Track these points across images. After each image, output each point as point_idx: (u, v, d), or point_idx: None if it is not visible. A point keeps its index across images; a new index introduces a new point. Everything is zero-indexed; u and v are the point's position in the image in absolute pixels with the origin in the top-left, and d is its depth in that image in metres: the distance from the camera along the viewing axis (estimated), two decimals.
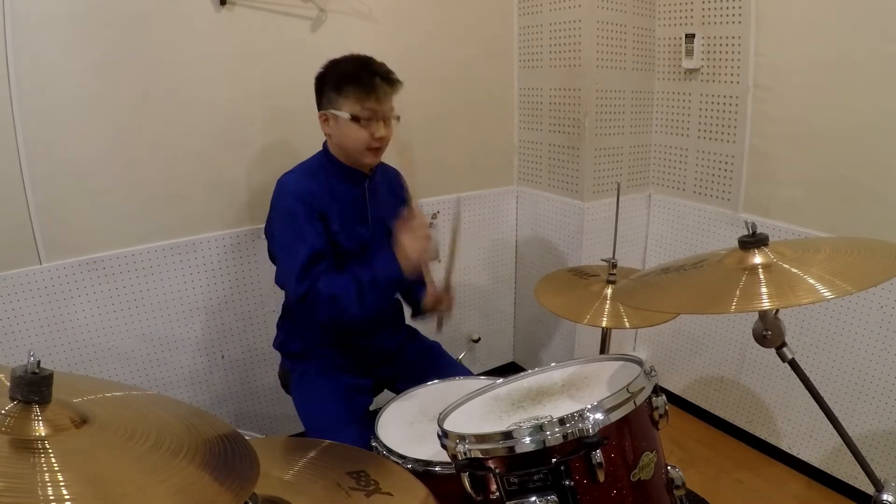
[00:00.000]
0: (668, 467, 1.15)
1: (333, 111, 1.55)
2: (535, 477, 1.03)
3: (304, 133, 1.84)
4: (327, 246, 1.57)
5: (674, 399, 2.57)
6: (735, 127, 2.19)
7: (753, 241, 1.12)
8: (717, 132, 2.26)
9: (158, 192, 1.93)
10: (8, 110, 1.65)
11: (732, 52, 2.14)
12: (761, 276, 1.06)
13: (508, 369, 2.89)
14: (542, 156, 2.56)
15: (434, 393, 1.61)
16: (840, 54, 1.87)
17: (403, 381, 1.70)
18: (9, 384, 0.70)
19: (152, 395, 0.96)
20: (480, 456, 1.05)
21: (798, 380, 1.12)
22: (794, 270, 1.05)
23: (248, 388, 2.25)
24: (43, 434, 0.68)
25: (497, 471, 1.05)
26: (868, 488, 1.32)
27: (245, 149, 2.04)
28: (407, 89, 1.60)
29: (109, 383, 0.95)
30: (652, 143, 2.52)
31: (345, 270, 1.56)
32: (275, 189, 1.62)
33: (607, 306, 1.72)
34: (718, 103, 2.23)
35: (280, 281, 1.61)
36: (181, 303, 2.04)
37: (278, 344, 1.82)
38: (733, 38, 2.13)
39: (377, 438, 1.39)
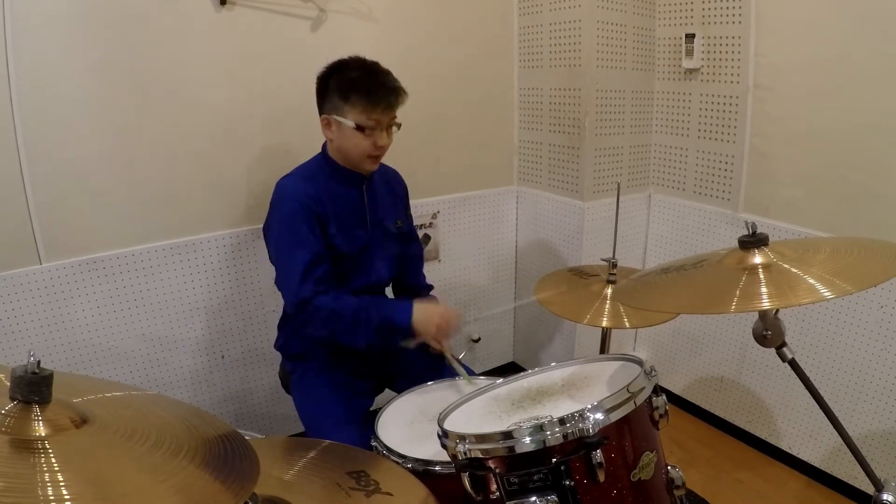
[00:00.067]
0: (668, 467, 1.15)
1: (337, 117, 1.54)
2: (536, 477, 1.03)
3: (303, 133, 1.84)
4: (326, 250, 1.58)
5: (674, 399, 2.57)
6: (735, 127, 2.19)
7: (753, 241, 1.12)
8: (717, 132, 2.26)
9: (158, 192, 1.93)
10: (8, 110, 1.65)
11: (732, 52, 2.14)
12: (761, 276, 1.05)
13: (508, 369, 2.89)
14: (542, 156, 2.56)
15: (434, 393, 1.61)
16: (840, 54, 1.87)
17: (404, 381, 1.70)
18: (9, 384, 0.70)
19: (152, 395, 0.96)
20: (480, 456, 1.05)
21: (798, 380, 1.12)
22: (794, 270, 1.05)
23: (248, 388, 2.25)
24: (43, 434, 0.68)
25: (497, 471, 1.05)
26: (868, 488, 1.32)
27: (245, 149, 2.04)
28: (407, 89, 1.59)
29: (109, 383, 0.95)
30: (652, 143, 2.52)
31: (353, 297, 1.57)
32: (273, 192, 1.62)
33: (607, 306, 1.72)
34: (718, 103, 2.23)
35: (279, 285, 1.61)
36: (181, 303, 2.04)
37: (279, 345, 1.82)
38: (733, 38, 2.12)
39: (377, 438, 1.39)
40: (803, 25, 1.95)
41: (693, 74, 2.29)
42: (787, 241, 1.35)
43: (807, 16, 1.93)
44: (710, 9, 2.17)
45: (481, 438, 1.05)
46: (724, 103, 2.21)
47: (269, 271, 1.68)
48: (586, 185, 2.38)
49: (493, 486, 1.06)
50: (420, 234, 2.31)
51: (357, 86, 1.52)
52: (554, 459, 1.01)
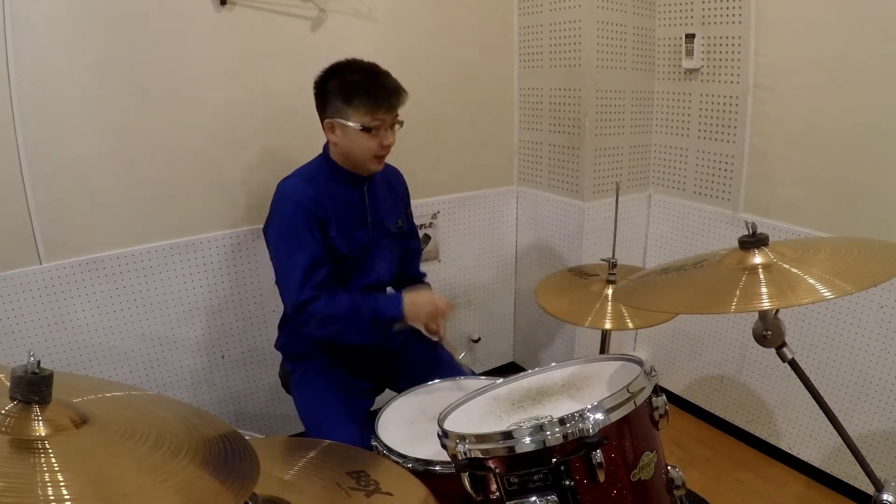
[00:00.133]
0: (668, 467, 1.15)
1: (341, 121, 1.55)
2: (536, 477, 1.03)
3: (303, 133, 1.84)
4: (326, 253, 1.58)
5: (674, 399, 2.57)
6: (735, 127, 2.19)
7: (753, 241, 1.12)
8: (717, 132, 2.26)
9: (158, 192, 1.93)
10: (8, 110, 1.65)
11: (732, 52, 2.14)
12: (761, 276, 1.06)
13: (508, 369, 2.89)
14: (542, 156, 2.56)
15: (434, 393, 1.61)
16: (840, 54, 1.87)
17: (404, 381, 1.71)
18: (9, 384, 0.70)
19: (152, 395, 0.96)
20: (480, 456, 1.05)
21: (798, 380, 1.12)
22: (794, 270, 1.05)
23: (248, 388, 2.25)
24: (43, 434, 0.68)
25: (497, 471, 1.05)
26: (868, 488, 1.32)
27: (245, 149, 2.04)
28: (407, 89, 1.60)
29: (109, 383, 0.95)
30: (652, 143, 2.52)
31: (347, 295, 1.58)
32: (274, 194, 1.62)
33: (607, 306, 1.72)
34: (718, 103, 2.23)
35: (279, 285, 1.61)
36: (181, 303, 2.04)
37: (280, 345, 1.82)
38: (733, 38, 2.12)
39: (377, 438, 1.40)
40: (803, 25, 1.95)
41: (693, 74, 2.29)
42: (787, 241, 1.35)
43: (807, 16, 1.93)
44: (710, 9, 2.17)
45: (481, 438, 1.05)
46: (724, 103, 2.21)
47: (269, 271, 1.68)
48: (586, 185, 2.38)
49: (493, 486, 1.06)
50: (420, 234, 2.31)
51: (359, 88, 1.53)
52: (554, 459, 1.01)
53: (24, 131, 1.68)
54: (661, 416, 1.12)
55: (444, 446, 1.12)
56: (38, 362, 0.70)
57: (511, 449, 1.02)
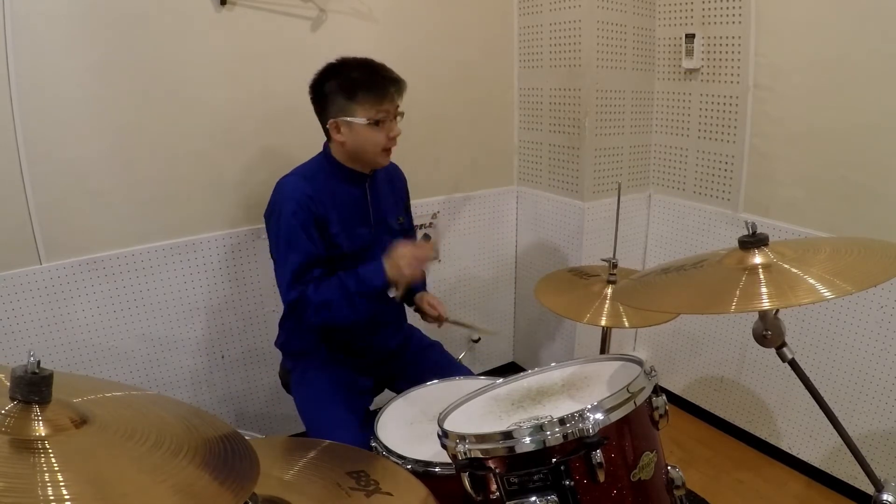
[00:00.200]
0: (668, 467, 1.15)
1: (347, 118, 1.55)
2: (536, 477, 1.03)
3: (303, 133, 1.84)
4: (323, 252, 1.58)
5: (674, 399, 2.57)
6: (735, 127, 2.19)
7: (753, 241, 1.12)
8: (717, 132, 2.26)
9: (158, 192, 1.93)
10: (8, 110, 1.65)
11: (732, 52, 2.14)
12: (761, 276, 1.05)
13: (508, 369, 2.89)
14: (542, 156, 2.56)
15: (434, 393, 1.60)
16: (840, 54, 1.87)
17: (404, 381, 1.71)
18: (9, 384, 0.70)
19: (152, 395, 0.96)
20: (480, 456, 1.05)
21: (798, 380, 1.12)
22: (794, 270, 1.05)
23: (248, 388, 2.25)
24: (43, 434, 0.68)
25: (497, 471, 1.05)
26: (868, 488, 1.32)
27: (245, 149, 2.04)
28: (407, 89, 1.60)
29: (109, 383, 0.95)
30: (652, 143, 2.52)
31: (334, 277, 1.58)
32: (273, 191, 1.62)
33: (607, 306, 1.72)
34: (718, 103, 2.23)
35: (277, 283, 1.62)
36: (181, 303, 2.04)
37: (280, 342, 1.82)
38: (733, 38, 2.12)
39: (377, 438, 1.39)
40: (803, 25, 1.95)
41: (693, 74, 2.29)
42: (787, 241, 1.35)
43: (807, 16, 1.93)
44: (710, 9, 2.17)
45: (481, 438, 1.05)
46: (724, 103, 2.21)
47: (269, 271, 1.68)
48: (586, 186, 2.38)
49: (493, 486, 1.06)
50: (420, 234, 2.31)
51: (361, 83, 1.54)
52: (554, 459, 1.01)
53: (24, 131, 1.68)
54: (661, 416, 1.12)
55: (444, 446, 1.12)
56: (38, 362, 0.70)
57: (511, 449, 1.02)
